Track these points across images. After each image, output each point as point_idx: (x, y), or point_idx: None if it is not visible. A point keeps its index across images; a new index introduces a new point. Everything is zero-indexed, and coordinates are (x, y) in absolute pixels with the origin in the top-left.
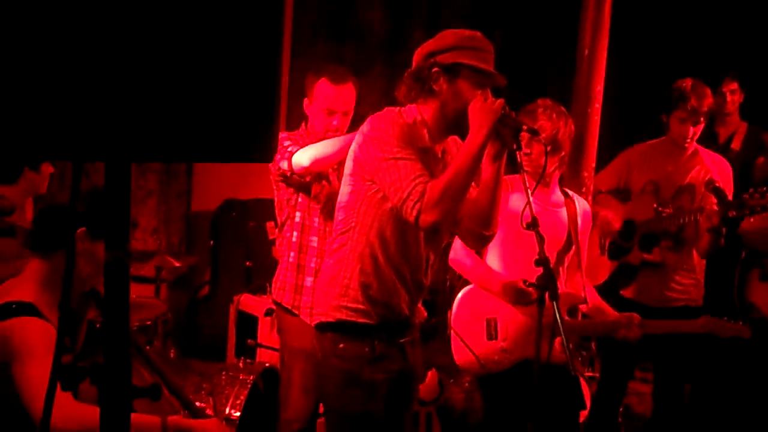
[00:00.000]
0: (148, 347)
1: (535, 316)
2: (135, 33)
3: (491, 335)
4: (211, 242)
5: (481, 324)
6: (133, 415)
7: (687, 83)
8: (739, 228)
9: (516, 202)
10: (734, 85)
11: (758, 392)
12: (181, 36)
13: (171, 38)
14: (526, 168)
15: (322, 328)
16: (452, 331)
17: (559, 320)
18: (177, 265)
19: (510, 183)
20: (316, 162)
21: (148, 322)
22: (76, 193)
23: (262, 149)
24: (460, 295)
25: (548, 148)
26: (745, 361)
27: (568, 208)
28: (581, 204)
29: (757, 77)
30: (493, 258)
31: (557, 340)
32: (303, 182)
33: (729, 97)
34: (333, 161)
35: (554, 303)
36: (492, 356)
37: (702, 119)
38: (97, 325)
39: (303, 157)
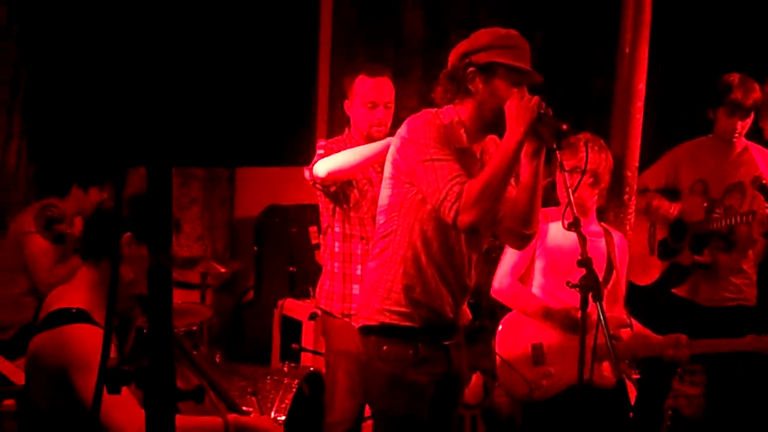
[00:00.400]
0: (194, 351)
1: (573, 344)
2: (176, 40)
3: (538, 360)
4: (255, 248)
5: (526, 349)
6: (195, 417)
7: (734, 77)
8: None
9: (554, 232)
10: None
11: None
12: (220, 43)
13: (211, 45)
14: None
15: (366, 331)
16: (498, 357)
17: (603, 320)
18: (222, 270)
19: (548, 214)
20: (331, 173)
21: (194, 328)
22: (119, 198)
23: (300, 153)
24: (505, 318)
25: (585, 168)
26: None
27: (606, 239)
28: (617, 236)
29: None
30: (535, 289)
31: (604, 364)
32: (333, 191)
33: None
34: (351, 172)
35: (598, 304)
36: (540, 381)
37: (749, 113)
38: (145, 331)
39: (320, 168)
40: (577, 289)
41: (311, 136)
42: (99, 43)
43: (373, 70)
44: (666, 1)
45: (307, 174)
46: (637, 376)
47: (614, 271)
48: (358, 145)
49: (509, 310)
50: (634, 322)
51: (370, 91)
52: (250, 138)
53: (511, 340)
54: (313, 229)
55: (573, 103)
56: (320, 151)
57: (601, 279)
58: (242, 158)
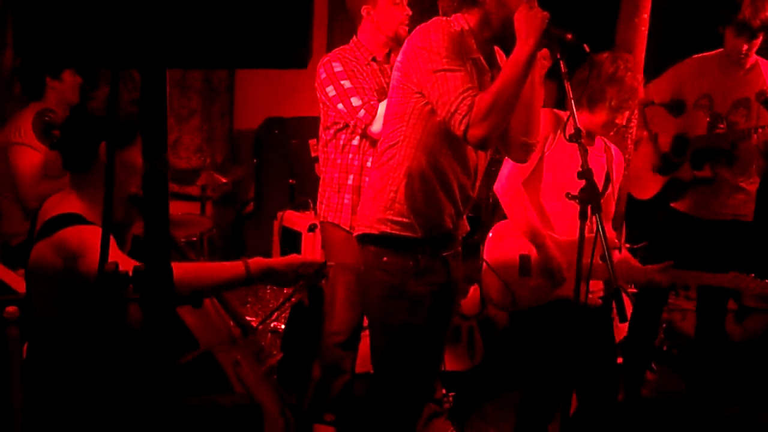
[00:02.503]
0: (193, 257)
1: (571, 254)
2: None
3: (525, 271)
4: (255, 160)
5: (514, 259)
6: (216, 264)
7: None
8: None
9: (560, 144)
10: None
11: None
12: None
13: None
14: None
15: (365, 239)
16: (484, 263)
17: (601, 232)
18: (222, 181)
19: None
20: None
21: (194, 238)
22: (115, 100)
23: (297, 56)
24: (495, 226)
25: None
26: None
27: (606, 154)
28: (615, 151)
29: None
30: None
31: (592, 283)
32: None
33: None
34: None
35: (597, 216)
36: (523, 292)
37: (758, 34)
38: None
39: (378, 128)
40: (576, 200)
41: (310, 39)
42: None
43: None
44: None
45: (363, 116)
46: (634, 290)
47: (610, 187)
48: (369, 53)
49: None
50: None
51: None
52: (246, 39)
53: (500, 247)
54: (312, 141)
55: (578, 12)
56: (338, 67)
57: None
58: (235, 60)
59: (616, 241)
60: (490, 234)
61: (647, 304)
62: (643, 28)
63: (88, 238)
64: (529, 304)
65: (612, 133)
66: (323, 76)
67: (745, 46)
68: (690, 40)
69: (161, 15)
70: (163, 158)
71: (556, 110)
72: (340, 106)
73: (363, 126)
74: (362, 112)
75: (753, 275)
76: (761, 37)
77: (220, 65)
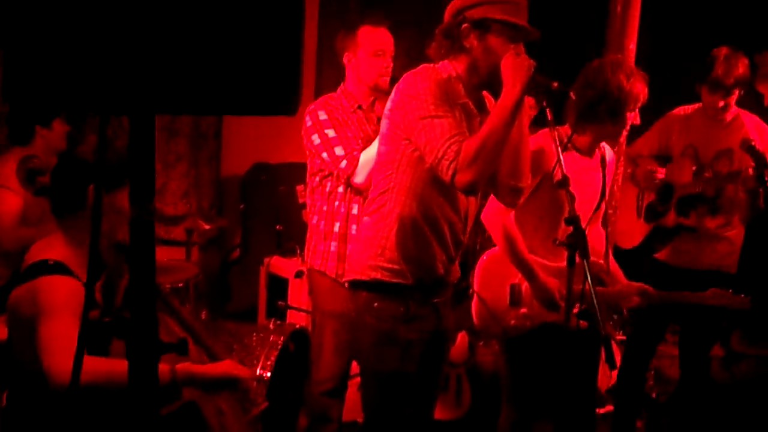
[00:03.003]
0: (179, 305)
1: (558, 281)
2: None
3: (515, 301)
4: (242, 206)
5: (504, 288)
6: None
7: (720, 53)
8: None
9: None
10: None
11: None
12: None
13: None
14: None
15: (356, 285)
16: (474, 294)
17: (589, 278)
18: (207, 227)
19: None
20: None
21: (180, 285)
22: (104, 146)
23: (287, 103)
24: (483, 257)
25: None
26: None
27: (602, 164)
28: (609, 154)
29: None
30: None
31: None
32: None
33: None
34: None
35: (585, 261)
36: (511, 321)
37: (733, 91)
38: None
39: (360, 179)
40: (564, 246)
41: (299, 86)
42: None
43: (378, 20)
44: None
45: (344, 164)
46: (623, 337)
47: (604, 201)
48: (354, 101)
49: None
50: (610, 259)
51: (378, 40)
52: (236, 86)
53: (489, 277)
54: (300, 187)
55: (565, 66)
56: (323, 116)
57: (590, 212)
58: (226, 107)
59: (602, 262)
60: (479, 265)
61: (636, 351)
62: (629, 58)
63: (57, 295)
64: (515, 333)
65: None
66: (309, 124)
67: (721, 102)
68: (677, 69)
69: (153, 61)
70: (149, 207)
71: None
72: (324, 155)
73: (345, 176)
74: (344, 162)
75: (731, 291)
76: (737, 93)
77: (210, 112)
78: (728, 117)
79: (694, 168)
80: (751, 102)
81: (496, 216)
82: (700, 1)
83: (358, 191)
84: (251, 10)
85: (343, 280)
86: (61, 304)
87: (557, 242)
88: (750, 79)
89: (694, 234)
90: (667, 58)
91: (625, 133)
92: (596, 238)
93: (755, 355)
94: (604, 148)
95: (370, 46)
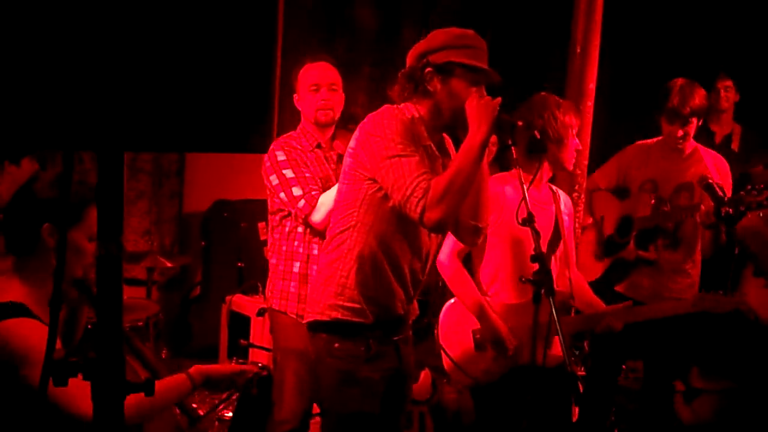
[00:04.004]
0: (142, 344)
1: (524, 323)
2: (128, 22)
3: (480, 347)
4: (203, 243)
5: (468, 336)
6: (162, 383)
7: (676, 83)
8: (736, 225)
9: (511, 196)
10: (729, 82)
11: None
12: (175, 25)
13: (165, 28)
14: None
15: (316, 327)
16: (441, 348)
17: (555, 316)
18: (169, 265)
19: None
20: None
21: (140, 323)
22: (68, 183)
23: (257, 140)
24: (444, 307)
25: (547, 146)
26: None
27: (555, 203)
28: (564, 198)
29: (752, 79)
30: (486, 260)
31: (553, 341)
32: None
33: (723, 94)
34: None
35: (551, 299)
36: (482, 367)
37: (691, 120)
38: (89, 326)
39: (318, 218)
40: (530, 284)
41: (269, 124)
42: (49, 21)
43: (315, 57)
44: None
45: (302, 204)
46: (583, 373)
47: (562, 238)
48: (314, 139)
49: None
50: (585, 286)
51: (313, 75)
52: (204, 124)
53: (452, 327)
54: (261, 224)
55: (525, 89)
56: (281, 156)
57: (549, 243)
58: (196, 144)
59: (568, 290)
60: (442, 315)
61: (597, 386)
62: (588, 116)
63: (30, 341)
64: (489, 379)
65: None
66: (267, 164)
67: (680, 132)
68: (636, 105)
69: (123, 97)
70: (118, 242)
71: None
72: (282, 195)
73: (303, 216)
74: (302, 202)
75: (721, 292)
76: (695, 122)
77: (181, 148)
78: (687, 149)
79: (653, 201)
80: (702, 140)
81: (446, 257)
82: (658, 39)
83: (317, 232)
84: (222, 47)
85: (304, 321)
86: (36, 349)
87: (523, 279)
88: (706, 111)
89: (654, 267)
90: (626, 95)
91: (572, 157)
92: (562, 278)
93: (713, 390)
94: (558, 191)
95: (307, 82)
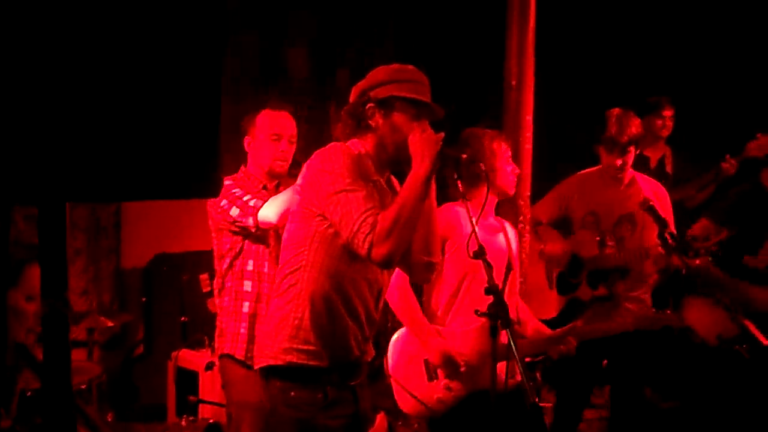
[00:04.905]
0: (88, 409)
1: (477, 349)
2: (68, 73)
3: (431, 376)
4: (144, 299)
5: (419, 366)
6: None
7: (612, 113)
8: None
9: (465, 223)
10: (671, 111)
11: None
12: (117, 76)
13: (107, 79)
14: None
15: (269, 372)
16: (391, 379)
17: (513, 347)
18: (110, 324)
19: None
20: (283, 216)
21: (83, 386)
22: (5, 240)
23: (206, 186)
24: (393, 338)
25: (488, 175)
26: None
27: (504, 233)
28: (511, 228)
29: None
30: (440, 289)
31: (500, 365)
32: (261, 235)
33: (667, 123)
34: None
35: (508, 330)
36: (436, 396)
37: (629, 149)
38: (28, 393)
39: (270, 213)
40: (486, 317)
41: (217, 169)
42: None
43: (277, 105)
44: (552, 32)
45: (250, 221)
46: (549, 405)
47: (513, 265)
48: (258, 182)
49: None
50: (530, 315)
51: (275, 124)
52: (152, 172)
53: (403, 357)
54: (204, 276)
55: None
56: (237, 191)
57: (502, 274)
58: (144, 192)
59: (514, 316)
60: (391, 348)
61: (566, 413)
62: (527, 146)
63: None
64: (443, 408)
65: None
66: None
67: (619, 161)
68: (573, 135)
69: (64, 149)
70: (63, 298)
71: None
72: (233, 210)
73: (256, 212)
74: (254, 200)
75: (654, 310)
76: (632, 151)
77: (129, 198)
78: (626, 179)
79: (597, 238)
80: (638, 166)
81: (394, 281)
82: (593, 69)
83: (267, 273)
84: (168, 98)
85: (256, 367)
86: None
87: (479, 312)
88: (642, 138)
89: (609, 300)
90: (562, 125)
91: (511, 182)
92: (512, 301)
93: (666, 409)
94: (503, 221)
95: (268, 130)
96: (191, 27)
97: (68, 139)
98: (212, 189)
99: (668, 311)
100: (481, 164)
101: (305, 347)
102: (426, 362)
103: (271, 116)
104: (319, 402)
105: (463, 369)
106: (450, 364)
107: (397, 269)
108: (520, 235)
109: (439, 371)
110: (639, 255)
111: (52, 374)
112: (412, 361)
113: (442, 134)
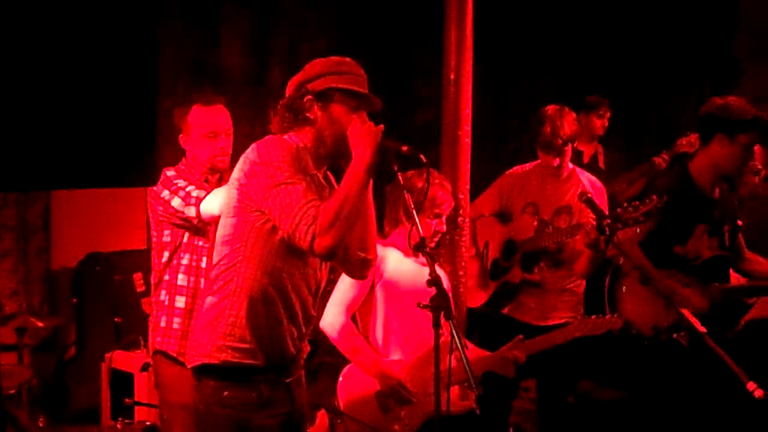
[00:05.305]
0: (19, 415)
1: (429, 375)
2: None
3: (386, 408)
4: (75, 300)
5: (372, 401)
6: None
7: (546, 113)
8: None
9: (394, 260)
10: (608, 112)
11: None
12: (52, 65)
13: (46, 68)
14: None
15: (202, 371)
16: (344, 417)
17: (457, 340)
18: (40, 326)
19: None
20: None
21: (12, 391)
22: None
23: (144, 175)
24: (340, 378)
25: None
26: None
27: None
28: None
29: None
30: (379, 320)
31: (453, 389)
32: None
33: (605, 123)
34: None
35: (451, 322)
36: (396, 428)
37: (563, 149)
38: None
39: (213, 206)
40: (428, 309)
41: (154, 158)
42: None
43: (209, 99)
44: (489, 24)
45: (192, 211)
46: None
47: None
48: (201, 174)
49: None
50: (468, 343)
51: (209, 121)
52: (91, 160)
53: (353, 391)
54: (137, 275)
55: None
56: (181, 182)
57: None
58: (83, 179)
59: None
60: (341, 380)
61: (492, 409)
62: (466, 140)
63: None
64: None
65: (447, 240)
66: (155, 187)
67: (556, 161)
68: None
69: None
70: None
71: None
72: (175, 200)
73: (198, 203)
74: (197, 191)
75: (595, 316)
76: (569, 149)
77: (66, 185)
78: (564, 173)
79: (535, 224)
80: (571, 160)
81: (334, 316)
82: (532, 63)
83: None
84: (105, 87)
85: (189, 366)
86: None
87: (421, 305)
88: (578, 135)
89: (539, 288)
90: (502, 117)
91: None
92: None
93: (605, 400)
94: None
95: (203, 128)
96: (125, 13)
97: (5, 129)
98: (151, 177)
99: (609, 315)
100: (421, 156)
101: (240, 345)
102: (377, 395)
103: (203, 111)
104: (254, 401)
105: (414, 400)
106: (401, 397)
107: (334, 301)
108: (459, 229)
109: (392, 403)
110: (571, 232)
111: None
112: (363, 396)
113: (382, 126)
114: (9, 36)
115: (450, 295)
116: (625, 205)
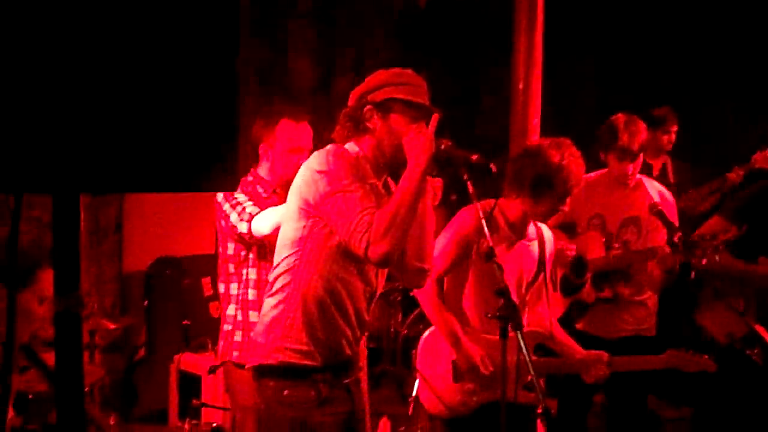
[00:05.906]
0: (94, 410)
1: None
2: (88, 63)
3: (458, 377)
4: (145, 302)
5: (447, 365)
6: None
7: (619, 120)
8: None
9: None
10: (676, 126)
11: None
12: (135, 65)
13: (125, 68)
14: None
15: (261, 372)
16: (418, 374)
17: (524, 349)
18: (111, 327)
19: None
20: (276, 230)
21: (85, 389)
22: (16, 230)
23: (221, 181)
24: (425, 335)
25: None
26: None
27: (539, 240)
28: (548, 233)
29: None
30: (467, 293)
31: (527, 378)
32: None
33: (672, 137)
34: None
35: (518, 333)
36: (459, 397)
37: (638, 156)
38: (30, 396)
39: (264, 225)
40: (497, 319)
41: (234, 164)
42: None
43: (298, 115)
44: (559, 36)
45: (244, 228)
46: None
47: (542, 273)
48: (270, 186)
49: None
50: (558, 327)
51: (296, 136)
52: (171, 164)
53: (431, 355)
54: (206, 280)
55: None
56: (241, 197)
57: (528, 280)
58: (159, 184)
59: (546, 332)
60: (421, 343)
61: (566, 423)
62: (534, 137)
63: None
64: (465, 410)
65: None
66: (219, 199)
67: (630, 168)
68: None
69: (81, 139)
70: (76, 296)
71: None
72: (233, 215)
73: (251, 220)
74: (251, 207)
75: (691, 352)
76: (642, 157)
77: (147, 189)
78: (632, 182)
79: (602, 240)
80: (641, 173)
81: (423, 292)
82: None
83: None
84: (185, 94)
85: (247, 366)
86: None
87: (489, 315)
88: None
89: (612, 303)
90: (569, 128)
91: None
92: (537, 315)
93: (670, 418)
94: (541, 225)
95: (288, 143)
96: (208, 15)
97: (83, 129)
98: (228, 184)
99: (705, 356)
100: (492, 165)
101: (297, 346)
102: (454, 363)
103: (292, 127)
104: (313, 399)
105: (487, 373)
106: (476, 372)
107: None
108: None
109: (466, 374)
110: (645, 256)
111: (64, 373)
112: (440, 359)
113: (442, 140)
114: (89, 39)
115: (551, 255)
116: (703, 233)
